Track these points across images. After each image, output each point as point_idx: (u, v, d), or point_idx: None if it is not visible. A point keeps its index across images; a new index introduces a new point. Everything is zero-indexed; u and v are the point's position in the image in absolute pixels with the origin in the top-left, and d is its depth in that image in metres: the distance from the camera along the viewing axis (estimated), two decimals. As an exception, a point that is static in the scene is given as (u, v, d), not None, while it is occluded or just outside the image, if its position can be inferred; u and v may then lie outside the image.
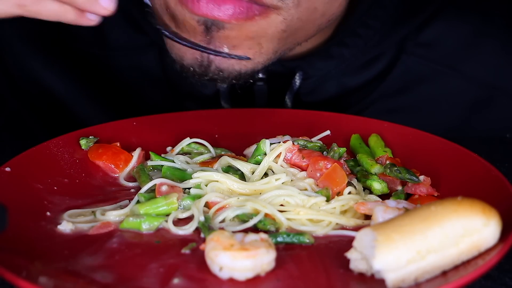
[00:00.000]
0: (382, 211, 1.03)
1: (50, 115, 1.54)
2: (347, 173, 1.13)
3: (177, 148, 1.24)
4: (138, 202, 1.08)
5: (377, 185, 1.12)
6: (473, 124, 1.48)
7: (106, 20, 1.03)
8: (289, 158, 1.15)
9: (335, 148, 1.17)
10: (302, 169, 1.15)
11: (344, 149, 1.18)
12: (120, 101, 1.51)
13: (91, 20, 1.03)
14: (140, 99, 1.51)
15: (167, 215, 1.06)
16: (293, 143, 1.16)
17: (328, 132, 1.27)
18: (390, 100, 1.46)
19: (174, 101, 1.49)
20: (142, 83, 1.50)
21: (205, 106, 1.43)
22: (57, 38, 1.50)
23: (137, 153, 1.21)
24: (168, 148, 1.25)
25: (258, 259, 0.92)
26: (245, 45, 1.15)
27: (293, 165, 1.15)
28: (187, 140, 1.24)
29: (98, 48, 1.49)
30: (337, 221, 1.05)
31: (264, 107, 1.43)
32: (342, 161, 1.16)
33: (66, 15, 1.01)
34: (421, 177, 1.11)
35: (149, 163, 1.19)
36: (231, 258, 0.92)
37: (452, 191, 1.07)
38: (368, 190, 1.13)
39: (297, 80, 1.40)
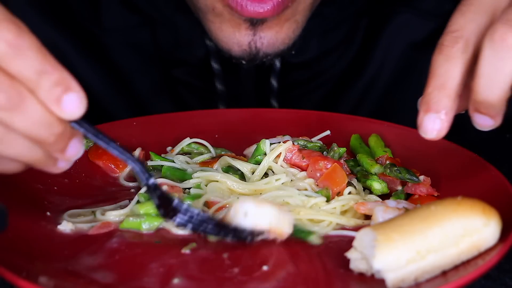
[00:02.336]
0: (382, 211, 1.03)
1: None
2: (347, 173, 1.13)
3: (177, 148, 1.24)
4: (138, 202, 1.08)
5: (377, 185, 1.12)
6: None
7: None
8: (289, 158, 1.15)
9: (335, 148, 1.17)
10: (302, 169, 1.15)
11: (344, 149, 1.18)
12: (113, 79, 1.53)
13: (60, 168, 0.92)
14: (132, 77, 1.54)
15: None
16: (293, 143, 1.16)
17: (328, 132, 1.27)
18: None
19: (164, 72, 1.53)
20: (134, 62, 1.53)
21: (194, 71, 1.49)
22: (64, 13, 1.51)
23: (137, 153, 1.21)
24: (168, 148, 1.25)
25: (282, 213, 0.97)
26: (285, 27, 1.27)
27: (293, 165, 1.15)
28: (187, 140, 1.24)
29: (94, 25, 1.50)
30: (338, 221, 1.05)
31: (252, 76, 1.46)
32: (342, 161, 1.16)
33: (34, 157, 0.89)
34: (421, 177, 1.11)
35: (149, 163, 1.20)
36: (256, 204, 0.96)
37: (452, 191, 1.07)
38: (368, 190, 1.13)
39: None
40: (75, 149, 0.89)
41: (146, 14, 1.47)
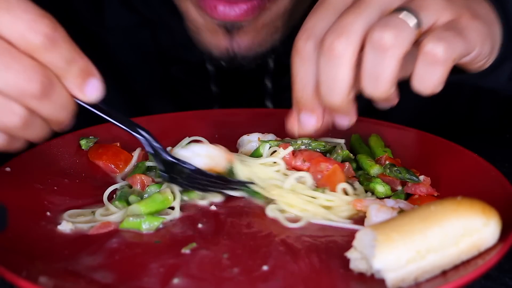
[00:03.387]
0: (375, 210, 1.03)
1: None
2: (350, 175, 1.13)
3: (177, 148, 1.24)
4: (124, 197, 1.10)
5: (381, 188, 1.11)
6: None
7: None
8: (288, 158, 1.15)
9: (339, 151, 1.17)
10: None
11: (348, 152, 1.18)
12: (114, 79, 1.53)
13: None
14: (133, 77, 1.55)
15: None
16: (293, 149, 1.16)
17: (342, 141, 1.24)
18: None
19: (163, 71, 1.54)
20: (135, 61, 1.54)
21: (192, 71, 1.51)
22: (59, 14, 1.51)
23: (137, 153, 1.21)
24: (168, 148, 1.25)
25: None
26: (263, 33, 1.27)
27: (294, 168, 1.15)
28: (187, 140, 1.24)
29: (96, 25, 1.51)
30: (322, 212, 1.05)
31: (246, 78, 1.47)
32: (346, 163, 1.15)
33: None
34: (421, 177, 1.11)
35: (148, 163, 1.19)
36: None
37: (452, 191, 1.07)
38: (371, 192, 1.13)
39: None
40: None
41: (145, 15, 1.48)
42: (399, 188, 1.12)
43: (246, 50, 1.28)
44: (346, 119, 1.04)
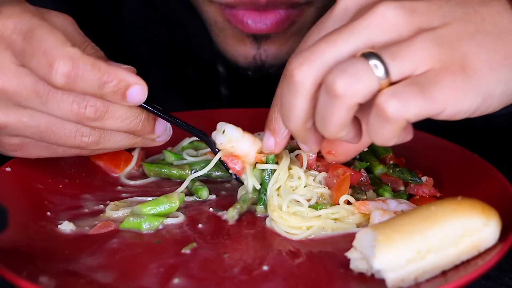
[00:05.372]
0: (379, 215, 1.03)
1: None
2: (367, 183, 1.12)
3: (177, 148, 1.24)
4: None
5: (388, 196, 1.11)
6: None
7: None
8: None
9: (356, 163, 1.16)
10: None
11: (366, 164, 1.16)
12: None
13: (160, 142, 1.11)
14: (146, 73, 1.54)
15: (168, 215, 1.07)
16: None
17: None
18: None
19: (177, 69, 1.55)
20: (150, 57, 1.55)
21: (204, 71, 1.52)
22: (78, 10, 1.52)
23: (137, 153, 1.21)
24: (168, 148, 1.25)
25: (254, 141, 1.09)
26: (291, 41, 1.27)
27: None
28: (187, 140, 1.25)
29: (114, 20, 1.51)
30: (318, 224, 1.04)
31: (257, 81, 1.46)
32: (363, 172, 1.13)
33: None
34: (424, 178, 1.11)
35: (146, 162, 1.19)
36: (232, 126, 1.10)
37: (452, 191, 1.08)
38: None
39: None
40: (161, 127, 1.08)
41: (162, 13, 1.48)
42: (402, 188, 1.12)
43: (273, 58, 1.28)
44: (305, 147, 1.04)
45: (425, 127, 1.25)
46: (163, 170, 1.18)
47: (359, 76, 0.86)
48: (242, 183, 1.11)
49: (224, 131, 1.10)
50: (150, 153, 1.24)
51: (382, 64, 0.86)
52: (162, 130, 1.08)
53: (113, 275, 0.94)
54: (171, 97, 1.55)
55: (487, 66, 0.88)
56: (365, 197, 1.08)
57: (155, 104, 1.07)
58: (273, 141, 1.05)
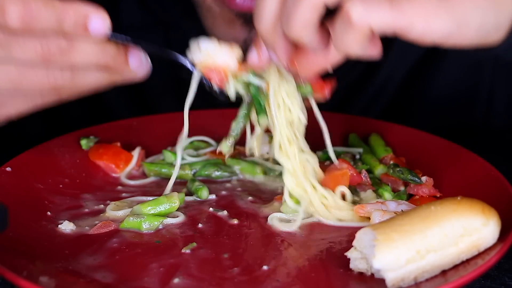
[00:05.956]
0: (379, 216, 1.03)
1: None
2: (368, 183, 1.12)
3: (177, 148, 1.24)
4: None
5: (388, 196, 1.11)
6: None
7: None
8: None
9: (359, 164, 1.16)
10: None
11: (367, 166, 1.17)
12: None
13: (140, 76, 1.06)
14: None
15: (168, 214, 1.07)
16: None
17: (360, 150, 1.24)
18: None
19: (171, 70, 1.50)
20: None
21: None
22: None
23: (137, 153, 1.21)
24: (168, 148, 1.26)
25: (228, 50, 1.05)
26: None
27: None
28: (187, 140, 1.25)
29: (113, 22, 1.50)
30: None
31: None
32: (364, 172, 1.13)
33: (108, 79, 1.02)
34: (424, 178, 1.11)
35: (146, 161, 1.19)
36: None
37: (452, 191, 1.08)
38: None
39: None
40: (136, 59, 1.03)
41: (158, 16, 1.48)
42: (402, 188, 1.13)
43: None
44: (274, 56, 0.99)
45: (425, 127, 1.26)
46: (163, 170, 1.19)
47: None
48: (229, 99, 1.08)
49: (199, 47, 1.07)
50: (150, 153, 1.25)
51: None
52: (137, 62, 1.04)
53: (113, 275, 0.94)
54: (167, 100, 1.55)
55: None
56: (358, 199, 1.09)
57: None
58: (257, 54, 1.02)
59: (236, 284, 0.92)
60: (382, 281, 0.89)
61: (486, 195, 0.99)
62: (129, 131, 1.28)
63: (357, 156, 1.21)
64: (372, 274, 0.91)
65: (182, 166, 1.18)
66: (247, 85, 1.06)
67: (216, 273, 0.94)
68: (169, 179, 1.18)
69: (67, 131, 1.25)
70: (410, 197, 1.11)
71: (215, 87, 1.07)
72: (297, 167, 1.06)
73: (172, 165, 1.19)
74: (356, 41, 0.86)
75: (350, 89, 1.49)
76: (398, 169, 1.12)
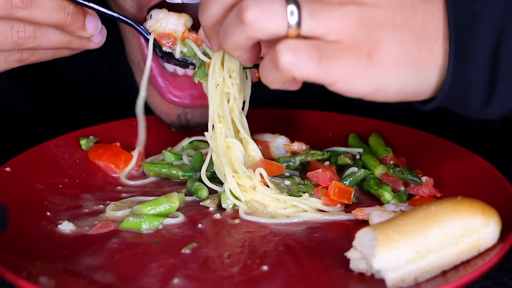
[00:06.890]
0: (378, 215, 1.03)
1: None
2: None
3: (177, 148, 1.24)
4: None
5: (389, 196, 1.11)
6: None
7: None
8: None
9: (358, 173, 1.15)
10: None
11: (368, 172, 1.16)
12: (69, 110, 1.49)
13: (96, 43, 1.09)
14: (89, 106, 1.49)
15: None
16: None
17: (360, 150, 1.24)
18: None
19: (124, 107, 1.37)
20: (91, 91, 1.47)
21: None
22: None
23: (137, 153, 1.21)
24: (168, 149, 1.25)
25: None
26: None
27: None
28: (187, 140, 1.25)
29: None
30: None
31: None
32: (354, 188, 1.12)
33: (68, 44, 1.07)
34: (424, 178, 1.11)
35: (145, 162, 1.19)
36: None
37: (452, 191, 1.07)
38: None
39: None
40: (92, 23, 1.06)
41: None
42: (402, 188, 1.12)
43: (200, 117, 1.21)
44: (208, 43, 1.01)
45: (425, 127, 1.26)
46: (163, 170, 1.18)
47: (271, 16, 0.87)
48: (179, 62, 1.15)
49: (151, 15, 1.15)
50: (150, 153, 1.25)
51: (298, 15, 0.87)
52: (94, 26, 1.06)
53: (113, 275, 0.94)
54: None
55: (392, 63, 0.89)
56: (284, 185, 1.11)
57: None
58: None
59: (235, 284, 0.92)
60: (382, 282, 0.88)
61: (486, 195, 0.99)
62: (129, 131, 1.27)
63: (357, 156, 1.21)
64: (372, 275, 0.91)
65: (181, 166, 1.19)
66: (194, 52, 1.13)
67: (216, 273, 0.94)
68: (169, 179, 1.18)
69: (67, 131, 1.25)
70: (410, 197, 1.11)
71: (166, 50, 1.14)
72: (221, 148, 1.09)
73: (172, 165, 1.19)
74: (277, 80, 0.90)
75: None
76: (398, 169, 1.12)
